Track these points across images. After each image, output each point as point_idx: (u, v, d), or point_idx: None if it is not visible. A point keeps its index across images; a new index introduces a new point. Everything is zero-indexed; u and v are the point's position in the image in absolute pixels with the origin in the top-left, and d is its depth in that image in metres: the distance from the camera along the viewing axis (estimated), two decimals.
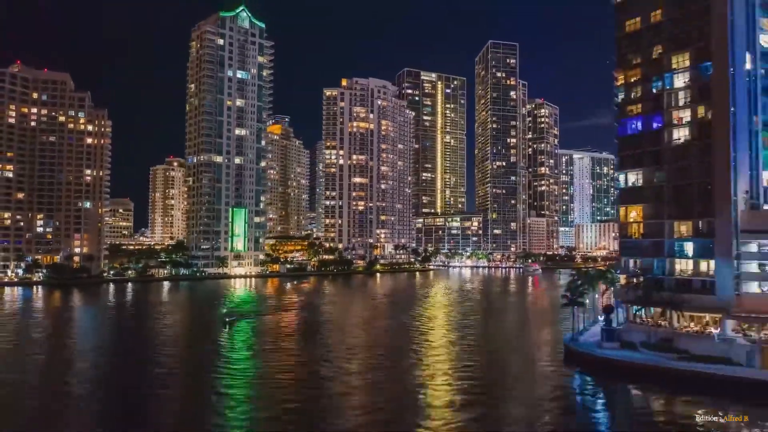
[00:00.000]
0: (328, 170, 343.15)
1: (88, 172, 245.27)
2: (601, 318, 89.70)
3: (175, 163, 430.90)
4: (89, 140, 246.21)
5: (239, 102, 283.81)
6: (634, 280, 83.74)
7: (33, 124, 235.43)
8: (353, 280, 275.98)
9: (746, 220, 75.12)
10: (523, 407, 65.03)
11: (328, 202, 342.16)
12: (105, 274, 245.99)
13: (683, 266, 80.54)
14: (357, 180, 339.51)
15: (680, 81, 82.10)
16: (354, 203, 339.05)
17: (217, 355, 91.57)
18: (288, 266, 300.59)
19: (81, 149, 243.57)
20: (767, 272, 76.33)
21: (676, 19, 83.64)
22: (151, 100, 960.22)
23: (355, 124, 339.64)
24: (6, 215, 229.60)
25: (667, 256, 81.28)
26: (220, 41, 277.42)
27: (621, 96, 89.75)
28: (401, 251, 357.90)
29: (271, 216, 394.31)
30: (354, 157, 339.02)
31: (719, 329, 75.04)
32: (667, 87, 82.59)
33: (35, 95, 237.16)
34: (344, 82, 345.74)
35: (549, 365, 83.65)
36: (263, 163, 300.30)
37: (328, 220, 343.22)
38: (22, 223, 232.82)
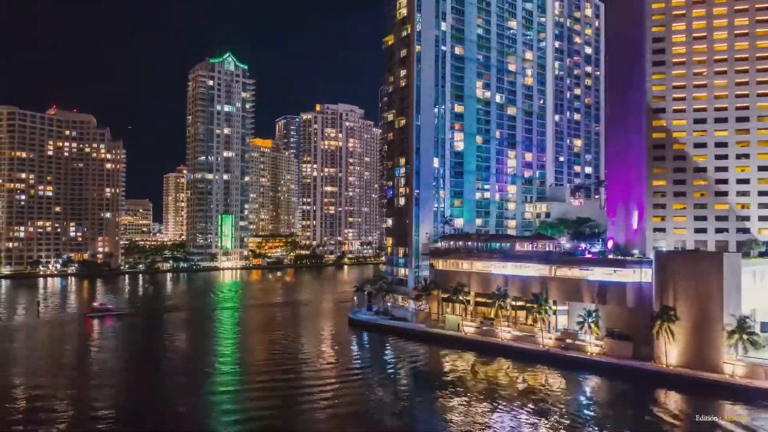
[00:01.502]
0: (304, 180, 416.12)
1: (108, 190, 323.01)
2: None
3: (184, 171, 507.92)
4: (108, 165, 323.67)
5: (227, 130, 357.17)
6: (382, 278, 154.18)
7: (66, 154, 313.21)
8: (323, 272, 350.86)
9: (422, 249, 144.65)
10: (327, 342, 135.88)
11: (304, 207, 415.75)
12: (122, 268, 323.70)
13: (400, 272, 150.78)
14: (328, 188, 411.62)
15: (401, 172, 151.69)
16: (325, 208, 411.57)
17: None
18: (268, 260, 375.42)
19: (102, 173, 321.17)
20: (419, 274, 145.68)
21: (396, 140, 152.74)
22: (168, 117, 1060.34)
23: (326, 142, 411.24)
24: (47, 224, 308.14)
25: (393, 266, 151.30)
26: (210, 82, 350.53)
27: (386, 174, 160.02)
28: (367, 247, 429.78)
29: (262, 216, 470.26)
30: (325, 169, 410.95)
31: (407, 304, 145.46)
32: (396, 175, 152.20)
33: (67, 132, 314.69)
34: (318, 107, 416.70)
35: (341, 326, 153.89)
36: (247, 178, 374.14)
37: (304, 222, 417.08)
38: (59, 230, 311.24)
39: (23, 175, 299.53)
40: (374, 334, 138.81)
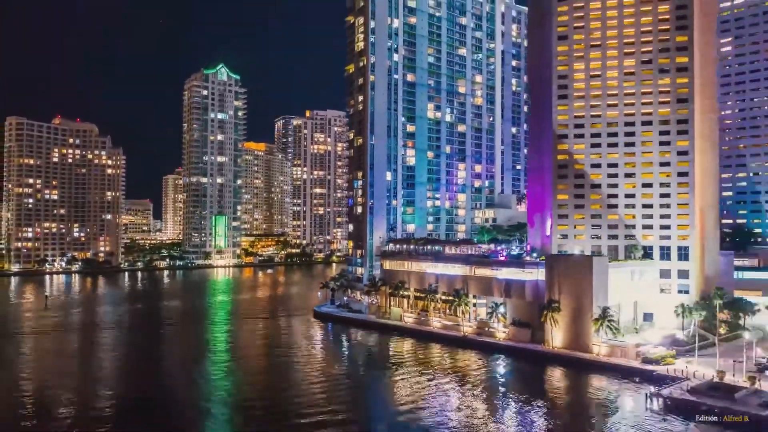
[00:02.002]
0: (295, 183, 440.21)
1: (108, 193, 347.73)
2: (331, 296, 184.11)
3: (182, 172, 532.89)
4: (109, 171, 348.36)
5: (220, 136, 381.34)
6: (343, 276, 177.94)
7: (70, 161, 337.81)
8: (312, 269, 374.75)
9: (376, 251, 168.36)
10: (295, 331, 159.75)
11: (295, 208, 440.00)
12: (122, 266, 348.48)
13: (357, 270, 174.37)
14: (317, 190, 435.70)
15: (359, 184, 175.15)
16: (315, 208, 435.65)
17: None
18: (260, 258, 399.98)
19: (103, 177, 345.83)
20: (373, 273, 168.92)
21: (355, 157, 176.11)
22: (168, 122, 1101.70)
23: (315, 146, 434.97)
24: (53, 225, 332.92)
25: (353, 265, 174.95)
26: (204, 92, 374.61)
27: (349, 185, 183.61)
28: None
29: (256, 216, 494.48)
30: (315, 172, 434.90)
31: (363, 298, 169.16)
32: (354, 187, 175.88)
33: (71, 140, 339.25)
34: (308, 114, 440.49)
35: (308, 317, 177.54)
36: (239, 182, 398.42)
37: (295, 222, 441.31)
38: (63, 230, 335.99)
39: (31, 181, 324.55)
40: (336, 325, 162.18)
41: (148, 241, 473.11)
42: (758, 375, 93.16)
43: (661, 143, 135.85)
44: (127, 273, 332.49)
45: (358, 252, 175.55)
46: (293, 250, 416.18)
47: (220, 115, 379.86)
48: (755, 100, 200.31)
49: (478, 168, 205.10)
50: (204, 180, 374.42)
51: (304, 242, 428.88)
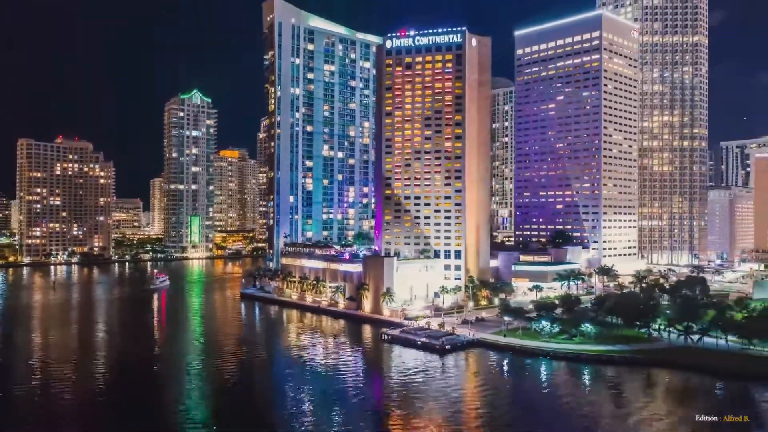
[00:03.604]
0: (261, 186, 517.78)
1: (101, 199, 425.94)
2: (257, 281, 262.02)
3: (163, 180, 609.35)
4: (101, 180, 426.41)
5: (194, 150, 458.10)
6: (261, 268, 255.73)
7: (69, 173, 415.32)
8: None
9: (281, 251, 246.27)
10: (225, 306, 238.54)
11: (261, 208, 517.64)
12: (113, 258, 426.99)
13: (270, 264, 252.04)
14: None
15: (271, 205, 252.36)
16: None
17: None
18: (229, 251, 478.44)
19: (97, 186, 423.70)
20: (278, 266, 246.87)
21: (268, 185, 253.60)
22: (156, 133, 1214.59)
23: None
24: (56, 225, 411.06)
25: (268, 260, 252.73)
26: (181, 114, 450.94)
27: (266, 205, 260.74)
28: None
29: (230, 215, 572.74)
30: None
31: (271, 283, 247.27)
32: (268, 206, 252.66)
33: (70, 156, 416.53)
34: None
35: (235, 299, 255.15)
36: (211, 187, 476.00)
37: (261, 220, 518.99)
38: (65, 229, 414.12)
39: (38, 190, 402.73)
40: (256, 302, 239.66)
41: (137, 237, 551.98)
42: (457, 326, 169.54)
43: (446, 184, 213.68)
44: (116, 264, 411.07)
45: (270, 252, 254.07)
46: (259, 245, 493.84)
47: (194, 132, 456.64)
48: (578, 137, 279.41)
49: (365, 189, 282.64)
50: (181, 187, 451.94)
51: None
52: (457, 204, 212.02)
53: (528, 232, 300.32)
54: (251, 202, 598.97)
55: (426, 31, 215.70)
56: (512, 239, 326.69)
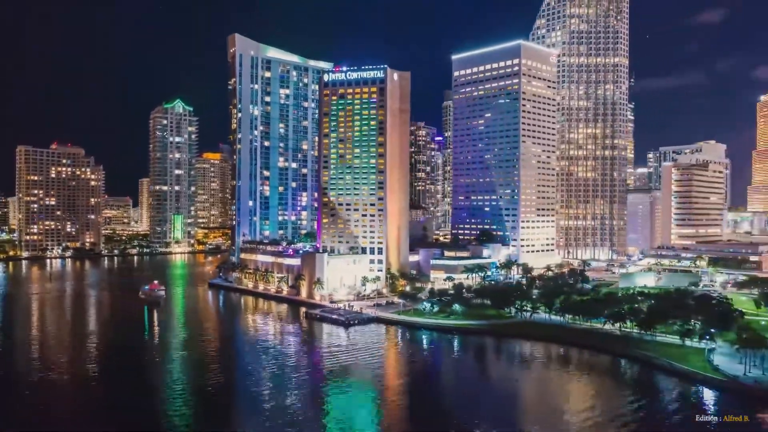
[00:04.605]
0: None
1: (92, 199, 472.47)
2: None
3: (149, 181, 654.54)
4: (92, 183, 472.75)
5: (177, 155, 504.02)
6: (227, 261, 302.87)
7: (63, 176, 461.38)
8: None
9: (241, 247, 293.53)
10: (196, 293, 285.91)
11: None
12: (102, 252, 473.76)
13: (232, 259, 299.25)
14: None
15: (233, 208, 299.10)
16: None
17: None
18: (210, 246, 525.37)
19: (88, 188, 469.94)
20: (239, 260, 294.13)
21: (231, 192, 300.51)
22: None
23: None
24: (52, 223, 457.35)
25: (231, 255, 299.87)
26: (165, 121, 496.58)
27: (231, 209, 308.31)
28: None
29: (213, 213, 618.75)
30: None
31: (232, 274, 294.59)
32: (232, 209, 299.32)
33: (64, 161, 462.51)
34: None
35: (205, 287, 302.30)
36: (193, 188, 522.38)
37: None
38: (60, 227, 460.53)
39: (35, 191, 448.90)
40: (221, 291, 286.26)
41: (126, 232, 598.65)
42: (369, 307, 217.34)
43: (371, 194, 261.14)
44: (106, 258, 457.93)
45: (233, 248, 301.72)
46: None
47: (177, 138, 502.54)
48: (502, 149, 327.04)
49: (316, 194, 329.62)
50: (165, 188, 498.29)
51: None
52: (380, 209, 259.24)
53: (462, 231, 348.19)
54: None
55: (355, 68, 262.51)
56: (448, 237, 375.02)
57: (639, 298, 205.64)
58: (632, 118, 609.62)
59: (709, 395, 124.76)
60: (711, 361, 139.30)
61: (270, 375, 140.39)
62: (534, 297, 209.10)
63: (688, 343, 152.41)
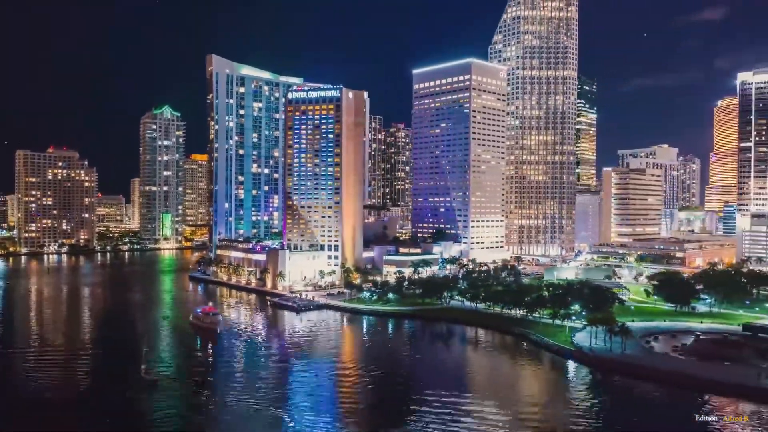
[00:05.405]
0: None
1: (86, 199, 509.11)
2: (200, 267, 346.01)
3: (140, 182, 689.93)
4: (86, 184, 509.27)
5: (166, 157, 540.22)
6: (206, 257, 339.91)
7: (59, 178, 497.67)
8: None
9: (217, 244, 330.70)
10: (176, 286, 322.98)
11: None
12: (96, 249, 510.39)
13: (211, 254, 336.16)
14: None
15: (210, 210, 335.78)
16: None
17: None
18: (196, 243, 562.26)
19: (82, 189, 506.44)
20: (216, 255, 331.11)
21: (209, 195, 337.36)
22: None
23: None
24: (48, 221, 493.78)
25: (209, 251, 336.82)
26: (154, 126, 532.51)
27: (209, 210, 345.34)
28: None
29: (200, 211, 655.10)
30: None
31: (210, 268, 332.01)
32: (210, 210, 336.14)
33: (60, 164, 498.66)
34: None
35: (185, 279, 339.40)
36: (180, 188, 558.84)
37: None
38: (56, 225, 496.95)
39: (33, 192, 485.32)
40: (199, 282, 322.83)
41: (118, 230, 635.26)
42: (322, 296, 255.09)
43: (329, 198, 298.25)
44: (99, 254, 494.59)
45: (210, 245, 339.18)
46: None
47: (165, 142, 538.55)
48: (455, 156, 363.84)
49: None
50: (154, 188, 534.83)
51: None
52: (336, 212, 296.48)
53: (421, 230, 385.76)
54: None
55: (315, 87, 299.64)
56: (408, 235, 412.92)
57: (550, 288, 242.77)
58: (594, 122, 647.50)
59: (557, 360, 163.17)
60: (573, 337, 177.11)
61: (239, 351, 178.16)
62: (463, 288, 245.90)
63: (559, 322, 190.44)
